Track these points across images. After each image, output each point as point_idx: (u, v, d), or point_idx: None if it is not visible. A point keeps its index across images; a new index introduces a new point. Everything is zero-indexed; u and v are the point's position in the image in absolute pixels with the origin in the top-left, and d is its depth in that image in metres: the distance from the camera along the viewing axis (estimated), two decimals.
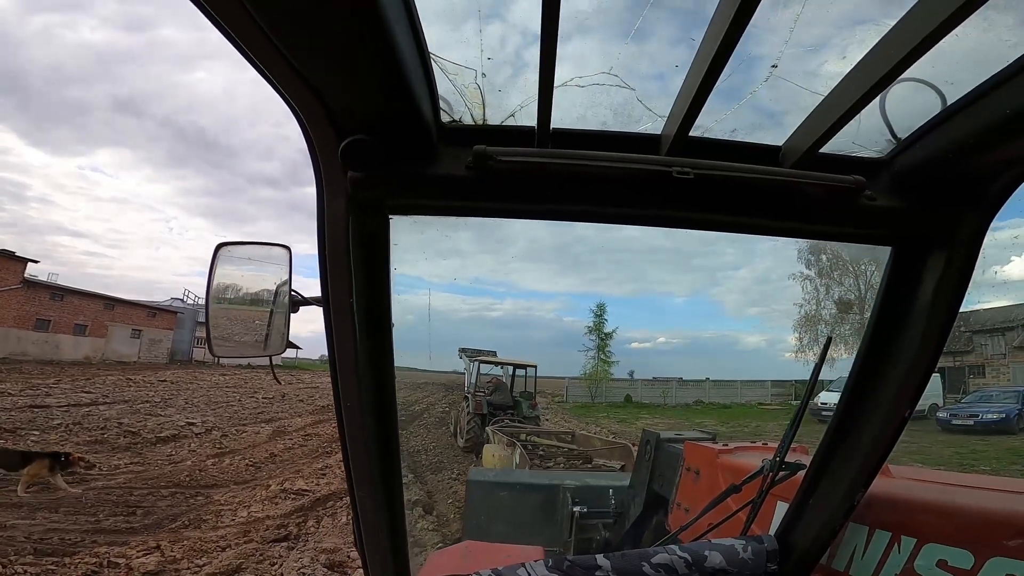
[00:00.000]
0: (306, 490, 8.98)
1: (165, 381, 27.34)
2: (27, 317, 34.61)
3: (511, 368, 16.49)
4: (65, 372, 27.05)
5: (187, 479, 9.34)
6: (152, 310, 46.25)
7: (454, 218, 0.98)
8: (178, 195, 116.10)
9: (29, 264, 35.06)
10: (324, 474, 10.26)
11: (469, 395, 14.79)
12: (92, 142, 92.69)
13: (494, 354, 17.12)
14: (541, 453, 9.56)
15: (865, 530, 1.40)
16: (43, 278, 37.96)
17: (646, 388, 35.79)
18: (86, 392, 19.72)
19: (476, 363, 15.93)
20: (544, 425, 15.08)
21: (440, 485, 10.09)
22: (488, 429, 11.69)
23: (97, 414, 15.01)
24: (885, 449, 1.15)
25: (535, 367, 16.39)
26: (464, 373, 16.98)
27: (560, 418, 22.67)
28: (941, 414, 19.67)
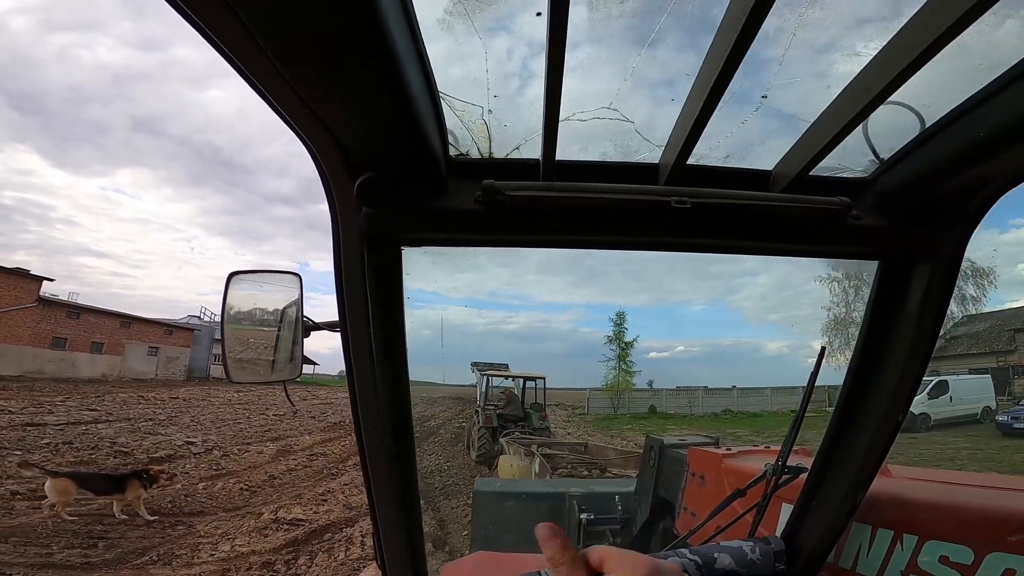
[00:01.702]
0: (302, 519, 7.93)
1: (177, 398, 26.79)
2: (43, 335, 34.70)
3: (522, 380, 16.47)
4: (77, 390, 26.67)
5: (170, 505, 8.36)
6: (169, 328, 46.33)
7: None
8: (198, 214, 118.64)
9: (46, 283, 35.27)
10: (325, 500, 9.18)
11: (479, 408, 14.72)
12: (113, 162, 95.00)
13: (506, 367, 17.26)
14: (562, 468, 8.78)
15: (868, 529, 1.42)
16: (62, 296, 38.21)
17: (670, 398, 34.56)
18: (91, 410, 19.09)
19: (485, 376, 15.98)
20: (560, 437, 14.95)
21: (455, 512, 8.83)
22: (502, 440, 11.59)
23: (94, 432, 14.23)
24: (882, 450, 1.18)
25: (544, 379, 16.55)
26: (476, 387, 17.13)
27: (583, 431, 21.26)
28: (1001, 417, 18.94)
